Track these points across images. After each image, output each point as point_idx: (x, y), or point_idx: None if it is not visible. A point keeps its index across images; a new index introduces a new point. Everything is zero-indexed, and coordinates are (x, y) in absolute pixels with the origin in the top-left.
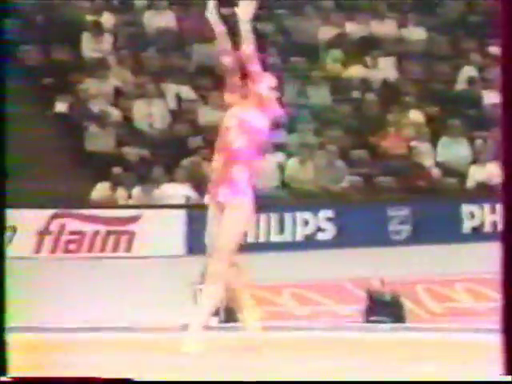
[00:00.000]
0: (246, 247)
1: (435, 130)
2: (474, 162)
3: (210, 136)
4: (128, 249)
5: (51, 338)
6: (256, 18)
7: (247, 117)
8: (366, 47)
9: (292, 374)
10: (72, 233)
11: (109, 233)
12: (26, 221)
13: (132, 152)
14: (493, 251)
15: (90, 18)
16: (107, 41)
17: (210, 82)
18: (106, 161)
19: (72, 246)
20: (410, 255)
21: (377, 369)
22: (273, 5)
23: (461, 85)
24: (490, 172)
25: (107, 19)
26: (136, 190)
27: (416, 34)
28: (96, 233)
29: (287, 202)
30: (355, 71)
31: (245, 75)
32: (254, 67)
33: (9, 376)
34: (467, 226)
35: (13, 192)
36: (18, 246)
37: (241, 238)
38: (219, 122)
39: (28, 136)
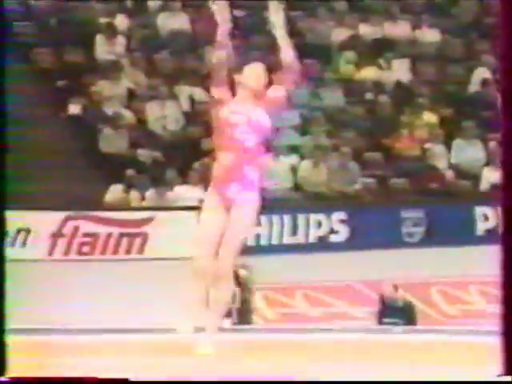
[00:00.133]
0: (259, 249)
1: (449, 132)
2: (488, 164)
3: None
4: (141, 251)
5: (66, 340)
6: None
7: (256, 115)
8: (380, 49)
9: (303, 375)
10: (85, 235)
11: (122, 235)
12: (39, 223)
13: (145, 154)
14: None
15: (103, 20)
16: (121, 43)
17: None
18: (120, 163)
19: (85, 249)
20: (423, 257)
21: (388, 370)
22: (286, 6)
23: (474, 86)
24: None
25: (121, 21)
26: (149, 192)
27: (430, 35)
28: (109, 235)
29: (300, 204)
30: (369, 73)
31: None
32: (291, 76)
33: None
34: (481, 228)
35: (26, 194)
36: (32, 248)
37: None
38: (219, 117)
39: (42, 138)
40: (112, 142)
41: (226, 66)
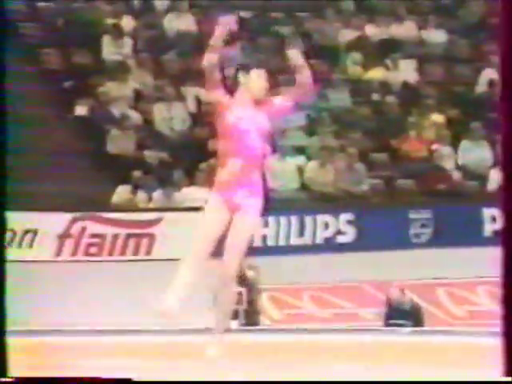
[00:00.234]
0: (266, 250)
1: (456, 133)
2: (495, 165)
3: None
4: (148, 252)
5: (73, 342)
6: (276, 22)
7: (261, 121)
8: (387, 50)
9: (311, 376)
10: (93, 236)
11: (129, 236)
12: (46, 224)
13: (152, 155)
14: None
15: (110, 21)
16: (127, 44)
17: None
18: (127, 164)
19: (93, 250)
20: (430, 258)
21: (395, 372)
22: (293, 8)
23: (481, 87)
24: None
25: (127, 22)
26: (156, 193)
27: (436, 36)
28: (116, 236)
29: (307, 205)
30: (375, 74)
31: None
32: (303, 93)
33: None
34: (488, 229)
35: (33, 195)
36: (39, 249)
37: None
38: (226, 123)
39: (49, 139)
40: (119, 142)
41: (217, 69)
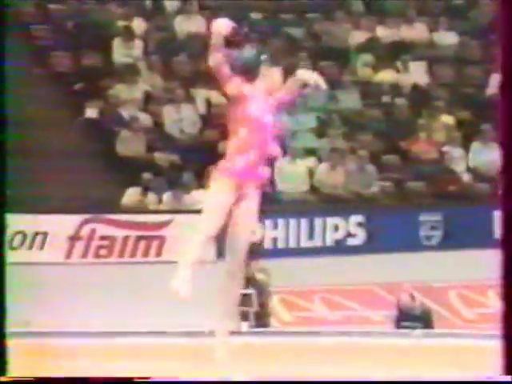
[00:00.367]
0: (276, 252)
1: (466, 135)
2: None
3: None
4: (159, 254)
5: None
6: (287, 23)
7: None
8: (397, 52)
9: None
10: (103, 238)
11: (139, 238)
12: (56, 226)
13: (162, 157)
14: None
15: (120, 23)
16: (138, 46)
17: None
18: (137, 166)
19: (103, 252)
20: (441, 261)
21: (405, 374)
22: (303, 9)
23: (492, 89)
24: None
25: (138, 24)
26: (166, 196)
27: (447, 38)
28: (127, 238)
29: (317, 207)
30: (386, 76)
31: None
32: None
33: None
34: (499, 231)
35: (44, 197)
36: (49, 251)
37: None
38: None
39: (59, 141)
40: (129, 145)
41: (225, 65)
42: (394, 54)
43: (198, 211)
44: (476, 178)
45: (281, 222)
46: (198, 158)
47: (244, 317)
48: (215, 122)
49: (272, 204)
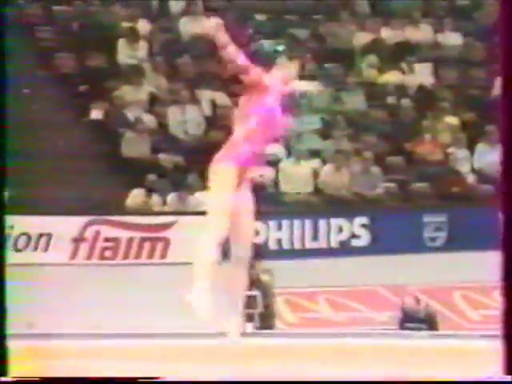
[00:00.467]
0: (280, 253)
1: (471, 136)
2: None
3: None
4: (163, 255)
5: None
6: (291, 24)
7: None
8: (402, 53)
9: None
10: (107, 240)
11: (144, 239)
12: (61, 227)
13: (167, 159)
14: None
15: (125, 24)
16: (142, 47)
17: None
18: (141, 167)
19: (107, 253)
20: (446, 262)
21: (409, 374)
22: (308, 10)
23: (497, 90)
24: None
25: (143, 26)
26: (171, 197)
27: (452, 39)
28: (131, 239)
29: (322, 209)
30: (391, 77)
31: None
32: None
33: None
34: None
35: (48, 199)
36: (54, 252)
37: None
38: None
39: (63, 143)
40: (134, 146)
41: (240, 54)
42: (398, 55)
43: (203, 213)
44: (481, 180)
45: (285, 223)
46: (203, 159)
47: (249, 318)
48: (220, 124)
49: (276, 205)
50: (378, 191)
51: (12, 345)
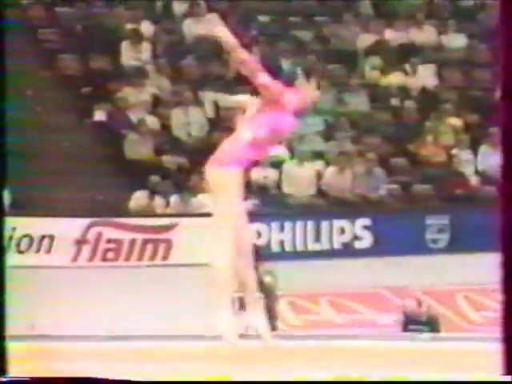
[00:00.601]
0: (283, 255)
1: (475, 138)
2: None
3: None
4: (165, 257)
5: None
6: (295, 26)
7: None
8: (405, 54)
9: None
10: (110, 241)
11: (146, 241)
12: (63, 229)
13: (170, 160)
14: None
15: (129, 26)
16: (146, 49)
17: (248, 90)
18: (144, 169)
19: (110, 255)
20: (448, 264)
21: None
22: (312, 12)
23: (500, 92)
24: None
25: (146, 27)
26: (174, 199)
27: (455, 41)
28: (133, 241)
29: (324, 210)
30: (394, 78)
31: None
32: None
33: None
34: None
35: (51, 200)
36: (56, 254)
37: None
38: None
39: (67, 144)
40: (137, 148)
41: (252, 57)
42: (402, 56)
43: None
44: (484, 181)
45: (288, 224)
46: (206, 161)
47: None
48: (223, 125)
49: (279, 207)
50: (381, 193)
51: (13, 346)
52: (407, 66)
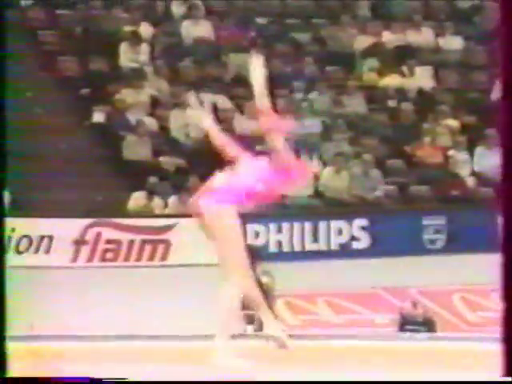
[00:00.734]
0: (280, 256)
1: (471, 140)
2: None
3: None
4: (164, 258)
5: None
6: (292, 28)
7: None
8: (403, 56)
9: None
10: (108, 242)
11: (145, 242)
12: (62, 230)
13: (168, 161)
14: None
15: (127, 28)
16: (144, 51)
17: (246, 91)
18: (143, 170)
19: (109, 255)
20: (445, 264)
21: (408, 376)
22: (309, 14)
23: (497, 94)
24: None
25: (145, 29)
26: (172, 200)
27: (453, 42)
28: (132, 242)
29: (322, 211)
30: (391, 80)
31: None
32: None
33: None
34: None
35: (49, 201)
36: (55, 255)
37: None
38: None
39: (65, 146)
40: (135, 149)
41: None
42: (399, 58)
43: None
44: (480, 183)
45: (285, 225)
46: (204, 162)
47: (249, 320)
48: (221, 127)
49: (277, 207)
50: (378, 194)
51: (13, 346)
52: (404, 68)
